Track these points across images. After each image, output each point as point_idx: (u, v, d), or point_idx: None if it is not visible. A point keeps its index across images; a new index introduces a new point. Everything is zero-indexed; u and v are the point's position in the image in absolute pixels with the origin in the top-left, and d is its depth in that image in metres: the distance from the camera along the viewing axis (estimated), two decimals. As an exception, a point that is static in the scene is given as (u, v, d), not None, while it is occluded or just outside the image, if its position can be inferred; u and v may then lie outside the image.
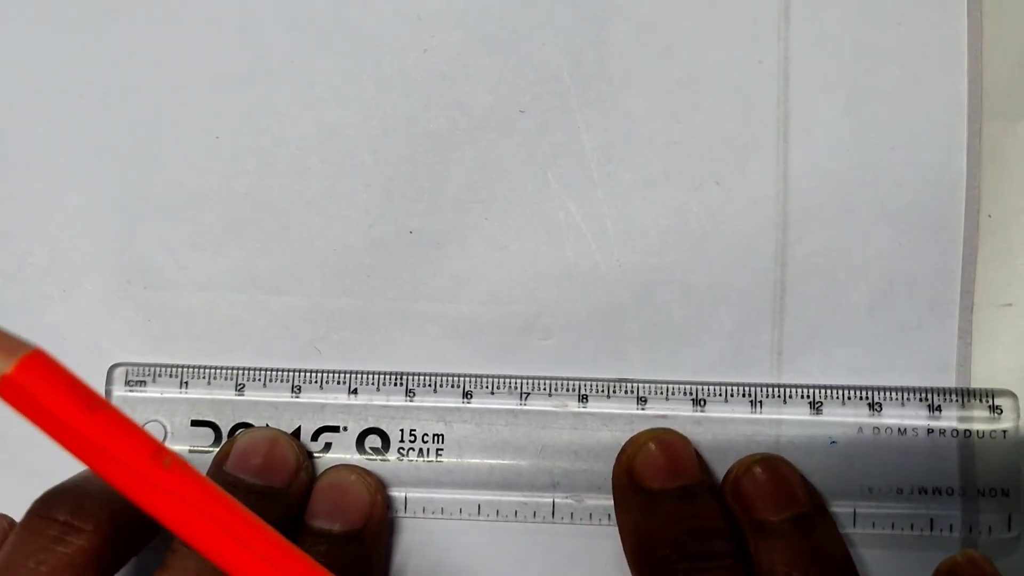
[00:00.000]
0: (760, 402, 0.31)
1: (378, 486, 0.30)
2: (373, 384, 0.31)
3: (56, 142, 0.32)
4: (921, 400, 0.31)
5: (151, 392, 0.31)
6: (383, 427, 0.31)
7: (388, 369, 0.31)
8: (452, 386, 0.31)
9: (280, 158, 0.32)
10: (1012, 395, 0.31)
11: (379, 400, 0.31)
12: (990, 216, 0.31)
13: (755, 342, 0.31)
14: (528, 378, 0.31)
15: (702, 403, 0.31)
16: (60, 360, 0.31)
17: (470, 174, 0.32)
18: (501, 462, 0.31)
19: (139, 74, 0.32)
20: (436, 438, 0.31)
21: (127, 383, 0.31)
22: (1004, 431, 0.31)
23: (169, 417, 0.31)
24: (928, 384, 0.31)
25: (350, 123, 0.32)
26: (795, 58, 0.31)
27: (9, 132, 0.32)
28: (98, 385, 0.31)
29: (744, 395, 0.31)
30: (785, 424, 0.31)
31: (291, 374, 0.31)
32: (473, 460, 0.31)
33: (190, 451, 0.31)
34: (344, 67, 0.32)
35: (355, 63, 0.32)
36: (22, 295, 0.32)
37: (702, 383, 0.31)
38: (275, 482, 0.29)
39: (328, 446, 0.31)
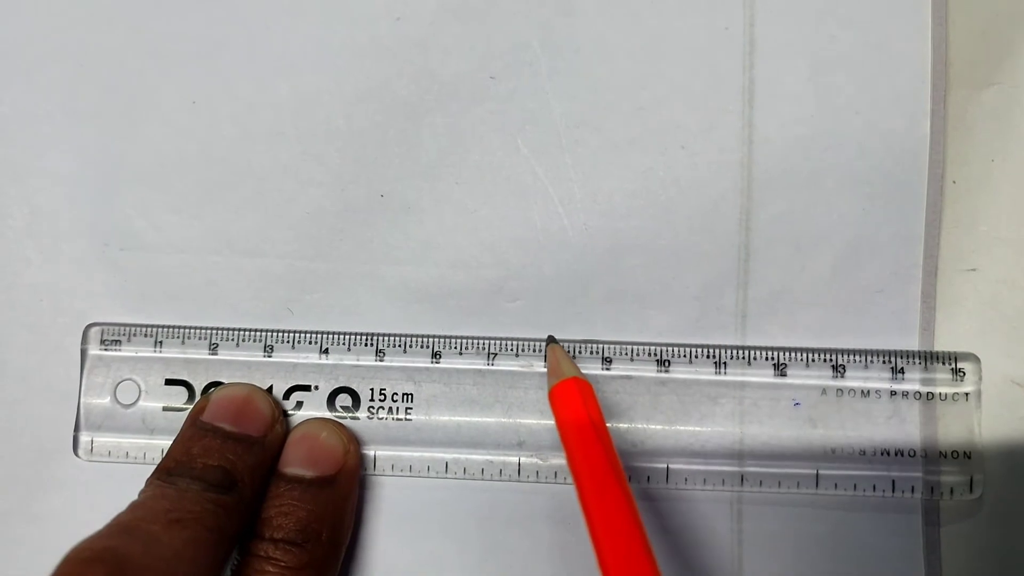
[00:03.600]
0: (724, 364, 0.31)
1: (351, 438, 0.31)
2: (344, 344, 0.32)
3: (36, 107, 0.33)
4: (884, 363, 0.31)
5: (126, 351, 0.32)
6: (353, 386, 0.32)
7: (359, 330, 0.32)
8: (421, 346, 0.32)
9: (255, 124, 0.32)
10: (975, 358, 0.31)
11: (350, 360, 0.32)
12: (955, 182, 0.32)
13: (719, 305, 0.32)
14: (496, 339, 0.32)
15: (666, 364, 0.31)
16: (38, 319, 0.31)
17: (441, 140, 0.32)
18: (469, 420, 0.31)
19: (118, 41, 0.33)
20: (405, 397, 0.32)
21: (102, 342, 0.32)
22: (966, 394, 0.31)
23: (143, 376, 0.32)
24: (891, 347, 0.31)
25: (324, 90, 0.32)
26: (760, 25, 0.32)
27: (-8, 98, 0.33)
28: (74, 344, 0.32)
29: (708, 356, 0.31)
30: (749, 386, 0.31)
31: (264, 334, 0.32)
32: (441, 419, 0.31)
33: (164, 409, 0.32)
34: (318, 35, 0.32)
35: (329, 31, 0.32)
36: (1, 256, 0.33)
37: (667, 344, 0.31)
38: (251, 431, 0.30)
39: (300, 404, 0.32)
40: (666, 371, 0.31)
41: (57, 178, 0.33)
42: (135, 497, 0.28)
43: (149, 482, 0.29)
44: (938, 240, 0.32)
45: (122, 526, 0.26)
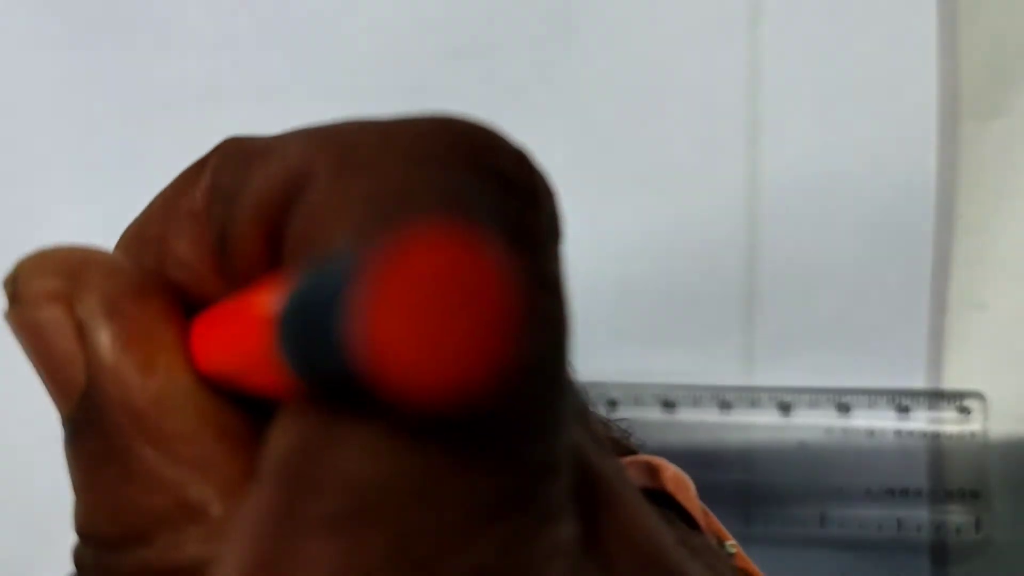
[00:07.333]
0: (729, 404, 0.31)
1: None
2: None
3: (48, 157, 0.33)
4: (889, 402, 0.31)
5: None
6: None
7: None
8: (428, 390, 0.32)
9: (261, 168, 0.33)
10: (981, 396, 0.31)
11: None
12: (962, 217, 0.31)
13: (725, 346, 0.32)
14: (501, 382, 0.32)
15: (672, 406, 0.31)
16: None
17: (444, 182, 0.32)
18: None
19: (127, 92, 0.33)
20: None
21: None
22: (973, 432, 0.31)
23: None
24: (899, 386, 0.31)
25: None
26: (764, 61, 0.31)
27: (3, 147, 0.33)
28: (89, 391, 0.33)
29: (713, 398, 0.31)
30: (754, 427, 0.31)
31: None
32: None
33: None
34: (321, 81, 0.32)
35: (331, 77, 0.32)
36: (14, 306, 0.33)
37: (672, 386, 0.31)
38: None
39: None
40: (672, 413, 0.31)
41: (68, 226, 0.33)
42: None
43: None
44: (947, 277, 0.31)
45: None
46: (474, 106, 0.32)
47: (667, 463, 0.19)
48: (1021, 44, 0.31)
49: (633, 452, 0.22)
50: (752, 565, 0.20)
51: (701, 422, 0.31)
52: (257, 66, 0.33)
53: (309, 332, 0.09)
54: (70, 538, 0.33)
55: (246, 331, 0.11)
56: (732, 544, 0.20)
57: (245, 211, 0.12)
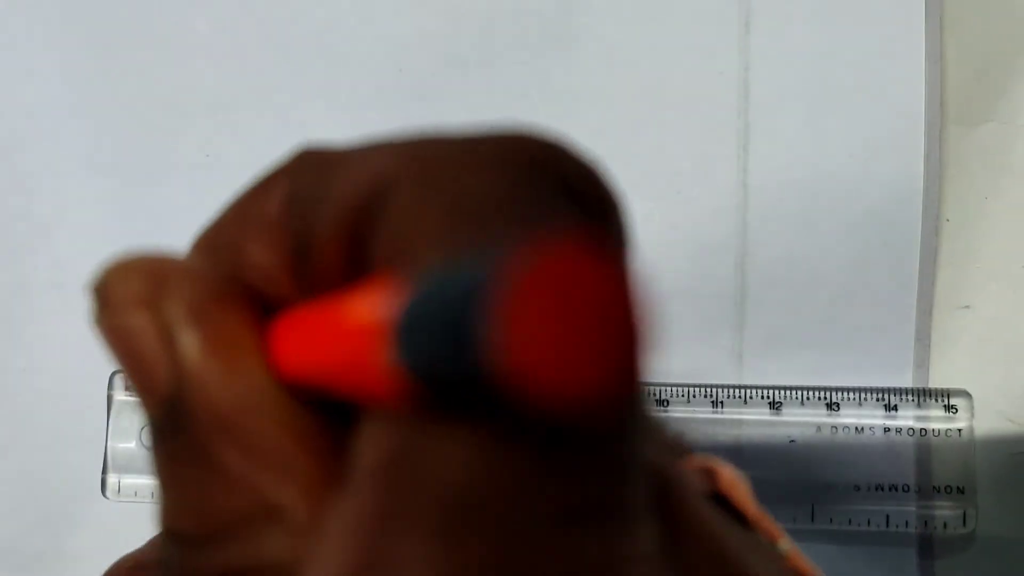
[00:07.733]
0: (721, 402, 0.32)
1: None
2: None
3: (58, 163, 0.34)
4: (878, 400, 0.32)
5: (149, 396, 0.33)
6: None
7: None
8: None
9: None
10: (967, 395, 0.32)
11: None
12: (948, 220, 0.32)
13: (717, 347, 0.33)
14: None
15: (665, 403, 0.32)
16: (65, 367, 0.33)
17: (444, 187, 0.33)
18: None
19: (134, 95, 0.34)
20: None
21: (127, 388, 0.34)
22: (959, 430, 0.32)
23: (166, 419, 0.33)
24: (886, 385, 0.32)
25: (331, 141, 0.33)
26: (755, 69, 0.32)
27: (15, 154, 0.34)
28: (100, 391, 0.34)
29: (706, 396, 0.32)
30: (746, 424, 0.32)
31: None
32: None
33: (185, 451, 0.33)
34: (325, 89, 0.33)
35: (335, 85, 0.33)
36: (28, 308, 0.34)
37: (665, 384, 0.32)
38: None
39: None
40: (665, 410, 0.32)
41: (80, 231, 0.34)
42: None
43: None
44: (933, 278, 0.32)
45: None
46: (474, 114, 0.33)
47: (723, 464, 0.20)
48: (1005, 51, 0.32)
49: (687, 453, 0.22)
50: (807, 565, 0.20)
51: (693, 418, 0.32)
52: (263, 75, 0.34)
53: (437, 337, 0.09)
54: (74, 535, 0.34)
55: (343, 337, 0.11)
56: (785, 541, 0.20)
57: (327, 218, 0.13)
